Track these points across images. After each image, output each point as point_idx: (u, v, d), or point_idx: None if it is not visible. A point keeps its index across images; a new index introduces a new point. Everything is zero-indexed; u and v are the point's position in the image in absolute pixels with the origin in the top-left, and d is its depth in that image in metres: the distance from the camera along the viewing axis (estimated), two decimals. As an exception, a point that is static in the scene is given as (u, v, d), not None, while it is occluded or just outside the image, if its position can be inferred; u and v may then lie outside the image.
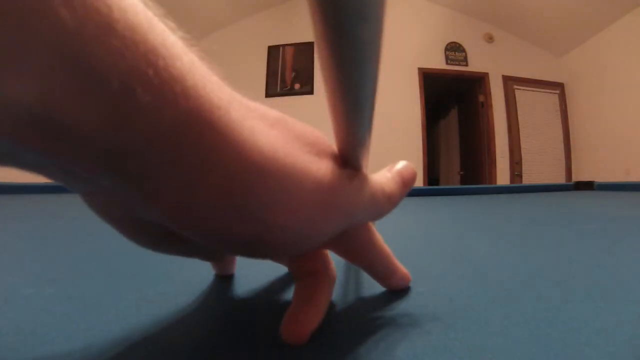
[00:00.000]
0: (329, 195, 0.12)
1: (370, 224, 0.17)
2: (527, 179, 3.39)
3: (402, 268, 0.18)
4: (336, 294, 0.18)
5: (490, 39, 3.56)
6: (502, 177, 3.36)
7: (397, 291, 0.19)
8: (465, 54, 3.49)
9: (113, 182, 0.09)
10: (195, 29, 0.09)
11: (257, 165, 0.09)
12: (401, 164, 0.17)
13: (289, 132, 0.11)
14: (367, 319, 0.15)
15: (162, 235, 0.12)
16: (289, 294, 0.18)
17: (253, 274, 0.22)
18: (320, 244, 0.13)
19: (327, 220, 0.12)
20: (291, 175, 0.10)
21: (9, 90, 0.06)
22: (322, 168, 0.11)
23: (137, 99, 0.07)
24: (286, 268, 0.22)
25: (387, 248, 0.17)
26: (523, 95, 3.51)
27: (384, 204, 0.15)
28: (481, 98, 3.50)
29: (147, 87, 0.07)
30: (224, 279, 0.21)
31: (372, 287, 0.19)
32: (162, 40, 0.08)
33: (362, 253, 0.16)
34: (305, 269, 0.15)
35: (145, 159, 0.08)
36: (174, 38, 0.08)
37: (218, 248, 0.11)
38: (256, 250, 0.12)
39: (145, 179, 0.09)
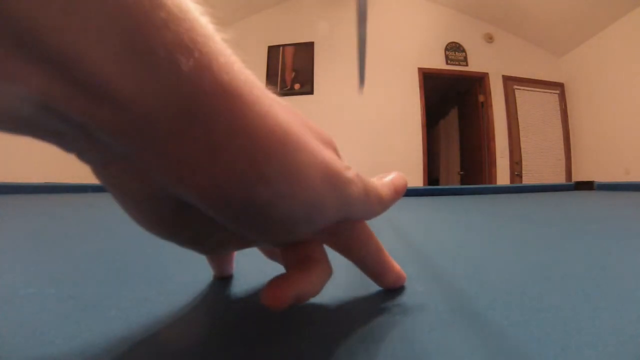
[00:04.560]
0: (332, 178, 0.12)
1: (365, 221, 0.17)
2: (527, 179, 3.39)
3: (397, 267, 0.18)
4: (334, 294, 0.18)
5: (490, 39, 3.57)
6: (502, 177, 3.36)
7: (395, 290, 0.19)
8: (465, 54, 3.49)
9: (142, 145, 0.09)
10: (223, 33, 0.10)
11: (278, 135, 0.10)
12: (393, 174, 0.18)
13: (299, 118, 0.12)
14: (365, 318, 0.15)
15: (173, 215, 0.12)
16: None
17: (252, 275, 0.22)
18: (316, 231, 0.14)
19: (328, 203, 0.13)
20: (304, 151, 0.11)
21: (62, 50, 0.07)
22: (327, 152, 0.13)
23: (181, 67, 0.08)
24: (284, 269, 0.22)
25: (381, 246, 0.17)
26: (523, 95, 3.51)
27: (376, 204, 0.16)
28: (481, 98, 3.50)
29: (189, 58, 0.08)
30: (223, 280, 0.21)
31: (371, 287, 0.19)
32: (199, 20, 0.09)
33: (356, 248, 0.17)
34: (300, 256, 0.15)
35: (179, 123, 0.09)
36: (206, 20, 0.09)
37: (229, 219, 0.11)
38: (263, 221, 0.12)
39: (174, 142, 0.09)
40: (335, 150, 0.14)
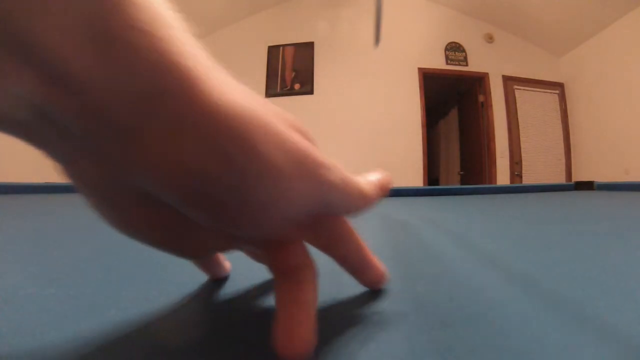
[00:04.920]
0: (302, 158, 0.12)
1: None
2: (527, 179, 3.39)
3: (379, 265, 0.18)
4: (333, 294, 0.18)
5: (490, 39, 3.56)
6: (502, 177, 3.36)
7: (395, 291, 0.19)
8: (465, 54, 3.49)
9: (105, 134, 0.09)
10: (195, 29, 0.11)
11: (241, 118, 0.10)
12: (378, 172, 0.18)
13: (268, 106, 0.12)
14: (365, 318, 0.15)
15: (145, 213, 0.12)
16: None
17: (250, 274, 0.22)
18: (293, 222, 0.13)
19: (300, 187, 0.12)
20: (270, 133, 0.11)
21: (26, 34, 0.08)
22: (296, 136, 0.12)
23: (139, 52, 0.09)
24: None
25: (363, 243, 0.17)
26: (523, 95, 3.51)
27: (357, 197, 0.15)
28: (481, 98, 3.50)
29: (148, 43, 0.09)
30: (222, 281, 0.21)
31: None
32: (162, 10, 0.09)
33: (336, 243, 0.16)
34: (286, 264, 0.14)
35: (138, 107, 0.09)
36: (172, 13, 0.10)
37: (198, 209, 0.11)
38: (232, 208, 0.11)
39: (135, 127, 0.09)
40: (312, 142, 0.14)
